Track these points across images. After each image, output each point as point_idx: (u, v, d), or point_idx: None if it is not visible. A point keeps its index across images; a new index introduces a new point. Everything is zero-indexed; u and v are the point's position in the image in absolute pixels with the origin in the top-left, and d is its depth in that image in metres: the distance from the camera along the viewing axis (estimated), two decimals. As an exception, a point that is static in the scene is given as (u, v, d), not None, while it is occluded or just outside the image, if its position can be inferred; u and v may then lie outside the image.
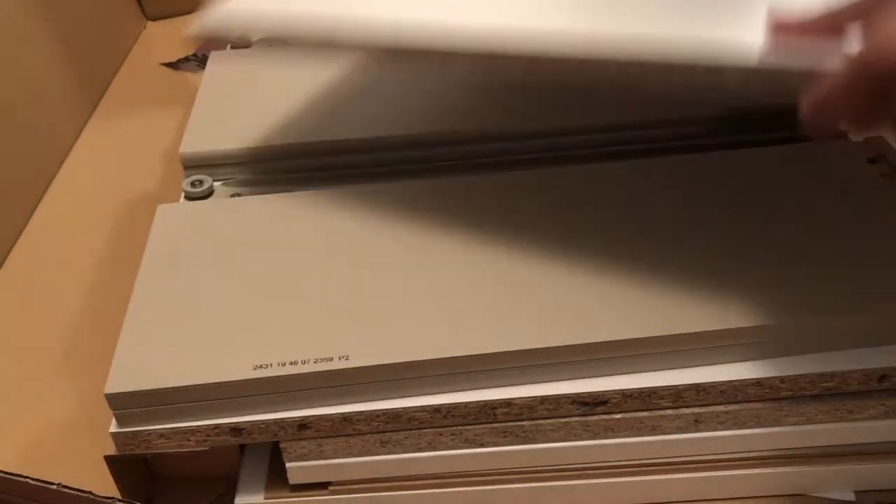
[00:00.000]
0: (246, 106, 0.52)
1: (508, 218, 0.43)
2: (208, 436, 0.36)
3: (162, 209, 0.45)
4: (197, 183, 0.47)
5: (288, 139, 0.49)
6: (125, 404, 0.35)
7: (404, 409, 0.36)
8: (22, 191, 0.56)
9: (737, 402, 0.37)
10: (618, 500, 0.40)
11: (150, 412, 0.35)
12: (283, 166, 0.49)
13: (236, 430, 0.36)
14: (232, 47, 0.62)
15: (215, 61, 0.58)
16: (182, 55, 0.73)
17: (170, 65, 0.73)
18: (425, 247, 0.41)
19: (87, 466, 0.40)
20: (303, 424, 0.36)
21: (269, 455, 0.39)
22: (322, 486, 0.38)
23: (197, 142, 0.49)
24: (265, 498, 0.38)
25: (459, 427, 0.37)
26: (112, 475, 0.37)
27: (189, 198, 0.47)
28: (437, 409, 0.36)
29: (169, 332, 0.37)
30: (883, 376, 0.37)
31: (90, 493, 0.34)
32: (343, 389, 0.36)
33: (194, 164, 0.48)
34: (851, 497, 0.39)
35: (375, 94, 0.53)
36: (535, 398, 0.36)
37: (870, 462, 0.39)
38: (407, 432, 0.37)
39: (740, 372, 0.37)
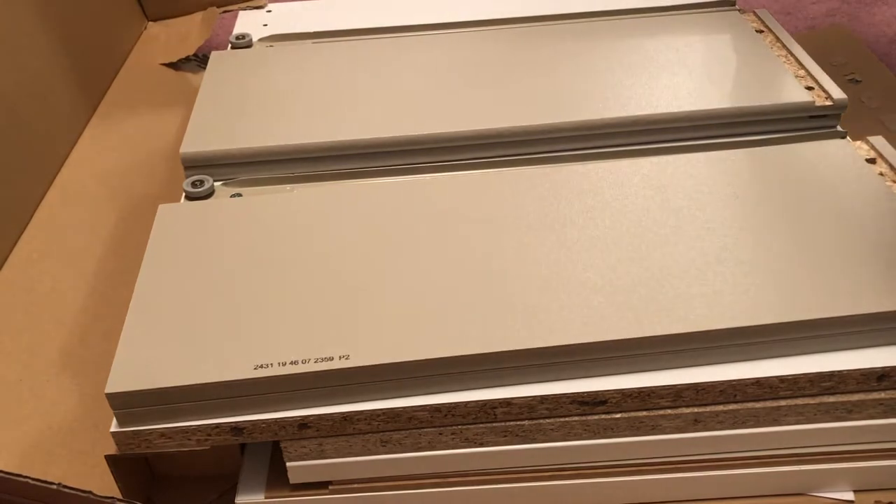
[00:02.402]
0: (246, 106, 0.52)
1: (510, 217, 0.43)
2: (209, 435, 0.36)
3: (163, 209, 0.45)
4: (198, 183, 0.47)
5: (288, 140, 0.49)
6: (126, 404, 0.35)
7: (404, 408, 0.36)
8: (22, 191, 0.56)
9: (736, 402, 0.37)
10: (617, 499, 0.40)
11: (151, 411, 0.35)
12: (283, 166, 0.49)
13: (237, 429, 0.36)
14: (232, 47, 0.62)
15: (216, 61, 0.58)
16: (182, 55, 0.73)
17: (170, 65, 0.73)
18: (426, 246, 0.41)
19: (87, 466, 0.40)
20: (303, 424, 0.36)
21: (269, 454, 0.40)
22: (322, 486, 0.39)
23: (197, 142, 0.49)
24: (265, 497, 0.38)
25: (459, 427, 0.37)
26: (112, 475, 0.38)
27: (190, 198, 0.47)
28: (437, 409, 0.36)
29: (170, 331, 0.37)
30: (882, 376, 0.37)
31: (90, 492, 0.34)
32: (343, 389, 0.36)
33: (195, 165, 0.48)
34: (850, 497, 0.39)
35: (375, 96, 0.53)
36: (535, 398, 0.36)
37: (869, 462, 0.39)
38: (407, 432, 0.37)
39: (739, 371, 0.37)
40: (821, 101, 0.50)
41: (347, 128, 0.50)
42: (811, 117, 0.50)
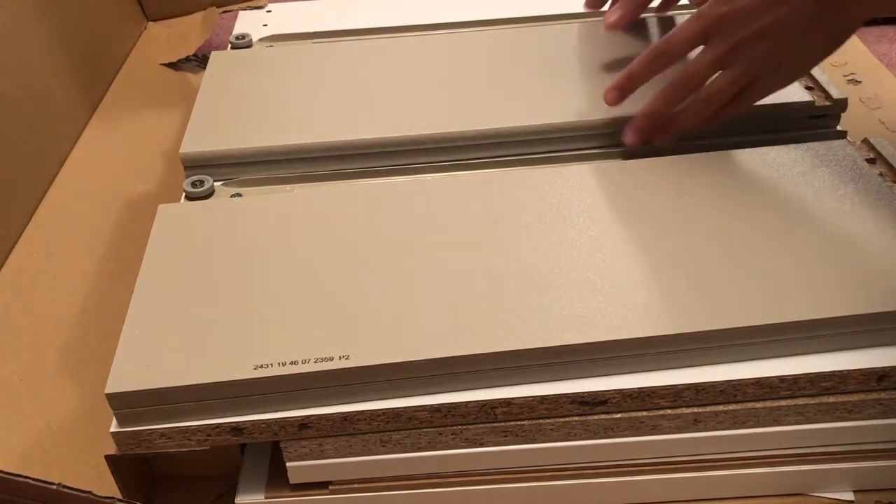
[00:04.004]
0: (246, 106, 0.52)
1: (510, 217, 0.43)
2: (209, 435, 0.36)
3: (163, 209, 0.45)
4: (198, 183, 0.47)
5: (288, 140, 0.49)
6: (126, 404, 0.35)
7: (404, 408, 0.36)
8: (23, 191, 0.56)
9: (736, 402, 0.37)
10: (618, 499, 0.40)
11: (151, 412, 0.35)
12: (283, 166, 0.49)
13: (237, 429, 0.36)
14: (232, 47, 0.62)
15: (216, 61, 0.58)
16: (182, 55, 0.73)
17: (170, 65, 0.73)
18: (425, 246, 0.41)
19: (87, 466, 0.40)
20: (303, 424, 0.36)
21: (269, 454, 0.40)
22: (322, 486, 0.39)
23: (197, 142, 0.49)
24: (265, 497, 0.38)
25: (459, 427, 0.37)
26: (112, 475, 0.38)
27: (190, 198, 0.47)
28: (437, 409, 0.36)
29: (170, 331, 0.37)
30: (882, 376, 0.37)
31: (90, 493, 0.34)
32: (343, 389, 0.36)
33: (194, 165, 0.48)
34: (850, 497, 0.39)
35: (375, 96, 0.53)
36: (535, 398, 0.36)
37: (869, 462, 0.39)
38: (407, 432, 0.37)
39: (739, 371, 0.37)
40: (820, 102, 0.50)
41: (348, 128, 0.50)
42: (811, 117, 0.50)
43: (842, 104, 0.50)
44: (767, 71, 0.44)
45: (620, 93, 0.47)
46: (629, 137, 0.48)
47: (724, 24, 0.43)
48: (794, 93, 0.50)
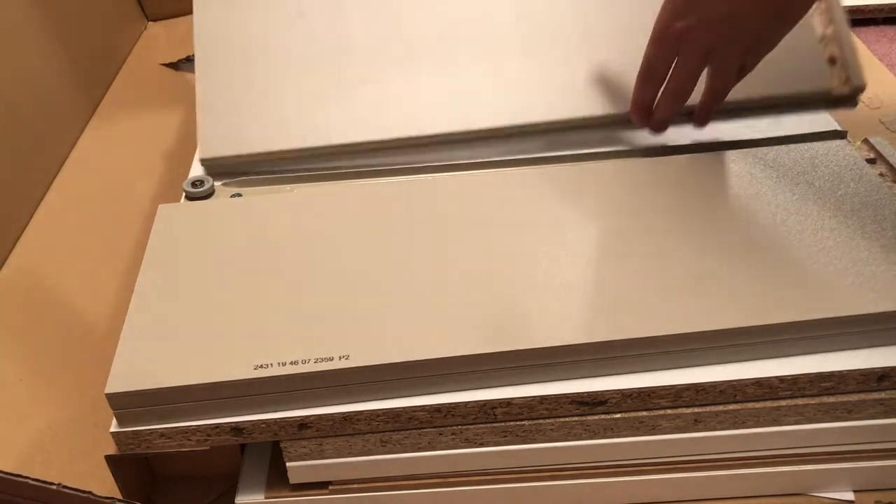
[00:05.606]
0: (261, 104, 0.52)
1: (510, 217, 0.43)
2: (209, 435, 0.36)
3: (163, 209, 0.45)
4: (198, 183, 0.47)
5: (299, 143, 0.49)
6: (126, 404, 0.35)
7: (404, 408, 0.36)
8: (23, 191, 0.56)
9: (736, 402, 0.37)
10: (617, 499, 0.40)
11: (151, 412, 0.35)
12: (289, 167, 0.49)
13: (237, 429, 0.36)
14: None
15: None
16: (182, 55, 0.74)
17: (170, 65, 0.73)
18: (426, 246, 0.41)
19: (87, 466, 0.40)
20: (303, 424, 0.36)
21: (269, 454, 0.40)
22: (322, 486, 0.39)
23: (216, 146, 0.49)
24: (266, 497, 0.38)
25: (459, 427, 0.37)
26: (112, 475, 0.38)
27: (190, 198, 0.47)
28: (437, 409, 0.36)
29: (169, 331, 0.37)
30: (882, 376, 0.37)
31: (90, 493, 0.34)
32: (343, 389, 0.36)
33: (216, 169, 0.49)
34: (850, 497, 0.39)
35: (377, 97, 0.53)
36: (534, 398, 0.36)
37: (869, 462, 0.39)
38: (407, 432, 0.37)
39: (739, 372, 0.37)
40: (838, 86, 0.50)
41: (349, 130, 0.49)
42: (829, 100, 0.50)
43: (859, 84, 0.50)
44: (749, 59, 0.45)
45: (642, 112, 0.48)
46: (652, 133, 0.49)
47: (690, 37, 0.43)
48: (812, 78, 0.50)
